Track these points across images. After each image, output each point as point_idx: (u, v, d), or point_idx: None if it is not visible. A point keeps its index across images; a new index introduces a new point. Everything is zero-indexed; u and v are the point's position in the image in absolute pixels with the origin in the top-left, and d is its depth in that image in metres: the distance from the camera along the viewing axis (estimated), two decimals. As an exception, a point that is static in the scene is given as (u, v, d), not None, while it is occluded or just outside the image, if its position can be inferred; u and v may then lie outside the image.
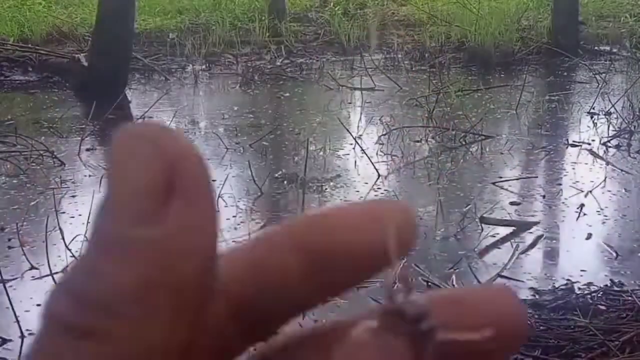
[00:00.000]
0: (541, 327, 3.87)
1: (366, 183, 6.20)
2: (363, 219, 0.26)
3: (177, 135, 0.25)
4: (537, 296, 4.27)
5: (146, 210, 0.23)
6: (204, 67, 11.05)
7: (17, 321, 3.92)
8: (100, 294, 0.23)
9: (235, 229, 5.27)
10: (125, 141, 0.25)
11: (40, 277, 4.52)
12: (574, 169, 6.55)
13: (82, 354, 0.22)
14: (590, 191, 5.82)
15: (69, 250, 4.68)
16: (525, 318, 0.27)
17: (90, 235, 0.24)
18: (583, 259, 4.77)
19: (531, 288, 4.39)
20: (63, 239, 4.72)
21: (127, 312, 0.23)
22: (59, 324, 0.23)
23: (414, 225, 0.27)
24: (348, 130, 7.33)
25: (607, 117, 7.95)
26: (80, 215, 5.36)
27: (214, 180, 0.27)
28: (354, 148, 7.02)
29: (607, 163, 6.58)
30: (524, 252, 4.85)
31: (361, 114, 8.64)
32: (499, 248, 4.94)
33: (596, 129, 7.68)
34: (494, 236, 5.06)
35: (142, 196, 0.23)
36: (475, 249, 4.92)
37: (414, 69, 10.93)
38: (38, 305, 4.24)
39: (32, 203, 5.73)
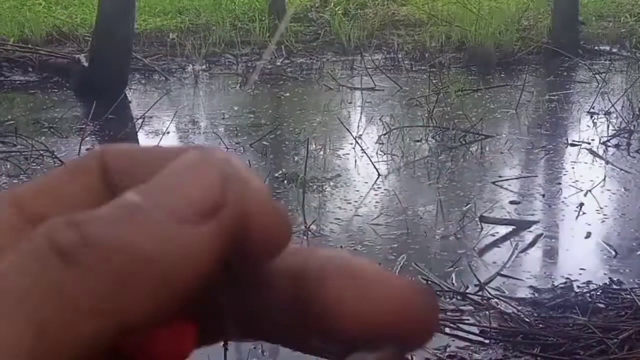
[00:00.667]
0: (540, 325, 3.87)
1: (366, 182, 6.20)
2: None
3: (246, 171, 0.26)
4: (536, 294, 4.28)
5: (188, 214, 0.24)
6: (204, 67, 11.06)
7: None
8: (113, 241, 0.23)
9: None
10: (199, 161, 0.25)
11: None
12: (573, 168, 6.55)
13: (64, 278, 0.23)
14: (590, 190, 5.82)
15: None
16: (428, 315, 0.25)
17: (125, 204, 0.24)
18: (582, 258, 4.77)
19: (530, 286, 4.39)
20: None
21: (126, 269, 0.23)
22: (53, 246, 0.23)
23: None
24: (348, 130, 7.33)
25: (606, 116, 7.96)
26: (80, 214, 5.36)
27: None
28: (354, 148, 7.02)
29: (607, 162, 6.59)
30: (523, 250, 4.85)
31: (361, 113, 8.64)
32: (499, 247, 4.94)
33: (596, 129, 7.69)
34: (494, 235, 5.06)
35: (192, 202, 0.24)
36: (475, 248, 4.92)
37: (414, 68, 10.94)
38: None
39: (32, 203, 5.73)
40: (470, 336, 3.82)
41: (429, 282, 4.23)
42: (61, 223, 0.23)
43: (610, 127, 7.61)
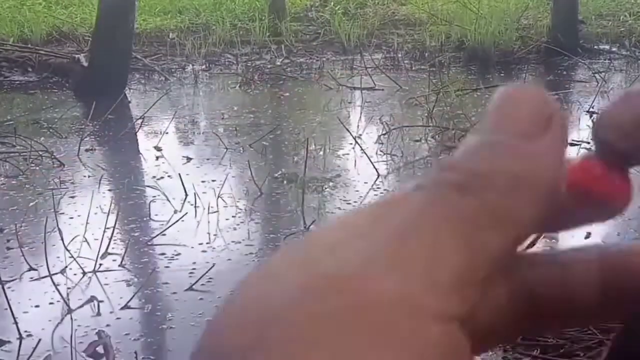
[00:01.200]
0: (540, 327, 3.86)
1: (366, 183, 6.20)
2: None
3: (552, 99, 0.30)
4: (536, 296, 4.27)
5: (530, 131, 0.28)
6: (204, 67, 11.05)
7: (16, 323, 3.92)
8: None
9: (235, 229, 5.27)
10: (514, 91, 0.30)
11: (39, 278, 4.51)
12: (573, 168, 6.54)
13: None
14: (590, 190, 5.82)
15: (68, 251, 4.68)
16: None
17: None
18: (582, 259, 4.76)
19: (530, 288, 4.39)
20: (62, 239, 4.72)
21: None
22: None
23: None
24: (348, 130, 7.33)
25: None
26: (79, 215, 5.36)
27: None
28: (353, 148, 7.02)
29: (607, 162, 6.58)
30: (522, 251, 4.84)
31: (361, 113, 8.64)
32: (498, 248, 4.93)
33: (596, 128, 7.68)
34: (493, 236, 5.05)
35: (528, 122, 0.28)
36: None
37: (413, 68, 10.93)
38: (36, 306, 4.24)
39: (31, 204, 5.73)
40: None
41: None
42: (446, 166, 0.28)
43: (610, 127, 7.60)
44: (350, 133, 7.24)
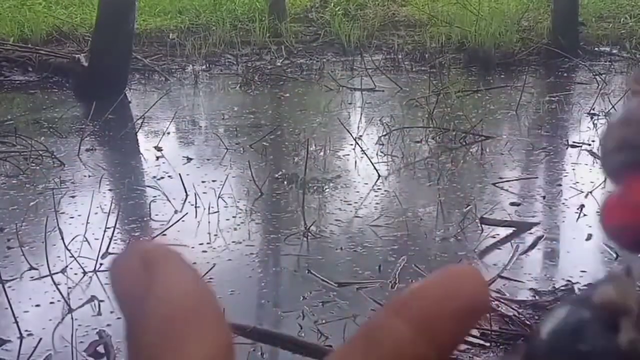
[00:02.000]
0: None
1: (366, 183, 6.19)
2: (448, 288, 0.32)
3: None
4: (537, 297, 4.27)
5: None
6: (204, 67, 11.04)
7: (16, 322, 3.91)
8: None
9: (235, 229, 5.27)
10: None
11: (40, 278, 4.51)
12: (574, 169, 6.54)
13: None
14: (591, 192, 5.81)
15: (68, 250, 4.67)
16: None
17: None
18: (583, 260, 4.76)
19: (531, 289, 4.39)
20: (62, 239, 4.72)
21: None
22: None
23: (487, 287, 0.33)
24: (348, 131, 7.33)
25: (607, 117, 7.95)
26: (79, 215, 5.35)
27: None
28: (354, 148, 7.01)
29: (608, 164, 6.57)
30: (524, 252, 4.84)
31: (361, 114, 8.63)
32: (499, 249, 4.93)
33: (596, 130, 7.68)
34: (494, 237, 5.05)
35: None
36: (475, 250, 4.92)
37: (414, 69, 10.92)
38: (37, 306, 4.24)
39: (32, 203, 5.72)
40: (471, 339, 3.80)
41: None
42: None
43: (611, 129, 7.59)
44: (351, 134, 7.24)
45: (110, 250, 4.78)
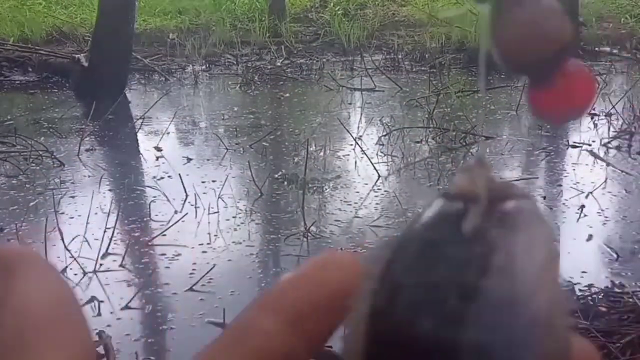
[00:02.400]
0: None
1: (366, 184, 6.18)
2: (316, 277, 0.33)
3: None
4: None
5: None
6: (204, 67, 11.04)
7: (16, 322, 3.90)
8: None
9: (235, 229, 5.26)
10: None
11: (40, 278, 4.50)
12: (574, 170, 6.53)
13: None
14: (591, 192, 5.81)
15: (68, 250, 4.66)
16: None
17: None
18: (584, 261, 4.75)
19: (532, 289, 4.37)
20: (62, 239, 4.71)
21: None
22: None
23: (356, 271, 0.33)
24: (348, 131, 7.32)
25: (607, 118, 7.95)
26: (79, 215, 5.35)
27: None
28: (354, 149, 7.01)
29: (608, 164, 6.57)
30: (524, 253, 4.83)
31: (361, 114, 8.63)
32: (500, 249, 4.92)
33: (597, 130, 7.67)
34: (495, 237, 5.04)
35: None
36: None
37: (414, 69, 10.92)
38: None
39: (32, 203, 5.71)
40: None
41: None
42: None
43: (611, 129, 7.60)
44: (351, 134, 7.24)
45: (110, 250, 4.78)
